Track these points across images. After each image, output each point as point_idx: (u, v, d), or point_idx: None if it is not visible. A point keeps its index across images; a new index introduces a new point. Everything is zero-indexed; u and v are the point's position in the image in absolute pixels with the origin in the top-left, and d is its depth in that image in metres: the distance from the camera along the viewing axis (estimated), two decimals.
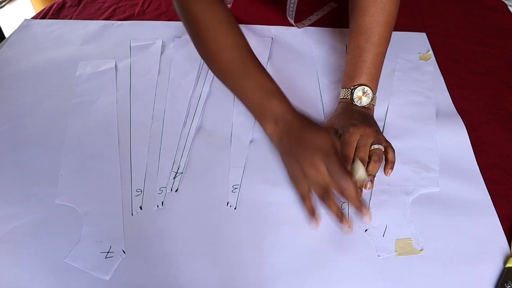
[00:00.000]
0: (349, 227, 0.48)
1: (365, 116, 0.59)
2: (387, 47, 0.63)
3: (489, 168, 0.57)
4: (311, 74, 0.72)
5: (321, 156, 0.48)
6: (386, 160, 0.56)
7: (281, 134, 0.52)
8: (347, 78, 0.62)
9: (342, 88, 0.63)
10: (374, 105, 0.62)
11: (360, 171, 0.52)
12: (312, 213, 0.49)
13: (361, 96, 0.60)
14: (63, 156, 0.57)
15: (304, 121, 0.53)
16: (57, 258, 0.47)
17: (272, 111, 0.52)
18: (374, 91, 0.61)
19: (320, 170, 0.48)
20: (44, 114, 0.64)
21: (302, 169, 0.50)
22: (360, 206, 0.47)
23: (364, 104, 0.60)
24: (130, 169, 0.56)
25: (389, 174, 0.55)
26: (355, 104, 0.60)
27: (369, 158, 0.55)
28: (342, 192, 0.48)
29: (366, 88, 0.60)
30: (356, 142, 0.55)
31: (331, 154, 0.48)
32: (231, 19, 0.57)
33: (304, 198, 0.50)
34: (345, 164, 0.52)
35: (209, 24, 0.56)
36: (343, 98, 0.62)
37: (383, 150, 0.56)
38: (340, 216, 0.48)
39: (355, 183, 0.46)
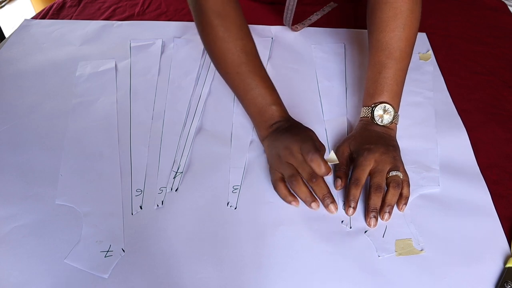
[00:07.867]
0: (317, 207, 0.51)
1: (383, 140, 0.55)
2: (409, 63, 0.60)
3: (489, 168, 0.57)
4: (310, 74, 0.72)
5: (298, 142, 0.51)
6: (400, 194, 0.52)
7: (271, 134, 0.56)
8: (368, 96, 0.59)
9: (363, 107, 0.59)
10: (396, 124, 0.58)
11: (331, 153, 0.52)
12: (287, 196, 0.52)
13: (382, 115, 0.57)
14: (63, 156, 0.57)
15: (294, 124, 0.56)
16: (57, 258, 0.47)
17: (271, 116, 0.56)
18: (396, 109, 0.57)
19: (293, 151, 0.51)
20: (44, 114, 0.64)
21: (278, 155, 0.52)
22: (327, 193, 0.50)
23: (386, 123, 0.56)
24: (130, 169, 0.56)
25: (403, 210, 0.51)
26: (376, 123, 0.57)
27: (387, 185, 0.51)
28: (312, 175, 0.50)
29: (388, 106, 0.56)
30: (369, 167, 0.52)
31: (308, 141, 0.50)
32: (243, 22, 0.58)
33: (275, 184, 0.53)
34: (343, 181, 0.54)
35: (220, 23, 0.56)
36: (363, 116, 0.58)
37: (402, 177, 0.52)
38: (309, 202, 0.51)
39: (325, 161, 0.48)
